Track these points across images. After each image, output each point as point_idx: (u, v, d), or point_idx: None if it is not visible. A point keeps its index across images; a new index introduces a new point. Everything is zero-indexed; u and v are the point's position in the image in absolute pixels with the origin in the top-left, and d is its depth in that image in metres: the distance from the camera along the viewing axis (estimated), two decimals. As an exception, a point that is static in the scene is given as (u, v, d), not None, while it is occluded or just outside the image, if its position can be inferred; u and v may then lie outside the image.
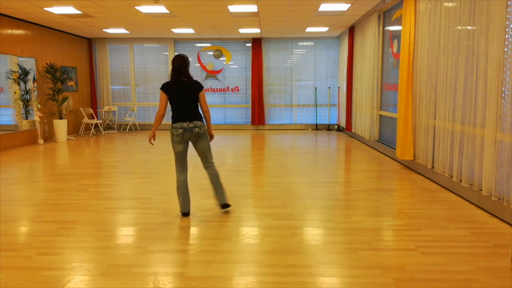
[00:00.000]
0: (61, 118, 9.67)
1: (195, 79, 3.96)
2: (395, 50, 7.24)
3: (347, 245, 3.26)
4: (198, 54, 12.13)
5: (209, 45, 12.10)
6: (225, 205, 4.09)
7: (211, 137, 4.08)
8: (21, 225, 3.78)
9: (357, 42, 9.48)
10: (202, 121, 3.98)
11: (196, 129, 3.90)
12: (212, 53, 12.12)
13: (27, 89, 9.00)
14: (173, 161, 6.96)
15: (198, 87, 3.91)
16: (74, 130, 11.14)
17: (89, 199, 4.64)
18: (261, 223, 3.78)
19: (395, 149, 6.91)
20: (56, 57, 10.15)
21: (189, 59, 3.98)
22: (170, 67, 12.03)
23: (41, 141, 9.15)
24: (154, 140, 4.00)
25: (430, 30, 5.44)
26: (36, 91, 9.29)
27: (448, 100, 4.93)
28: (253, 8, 7.67)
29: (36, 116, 9.06)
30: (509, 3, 3.75)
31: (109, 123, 12.29)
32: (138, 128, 12.31)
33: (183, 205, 3.99)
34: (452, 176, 4.86)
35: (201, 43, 12.11)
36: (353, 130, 10.10)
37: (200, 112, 3.99)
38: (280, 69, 12.08)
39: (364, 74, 8.78)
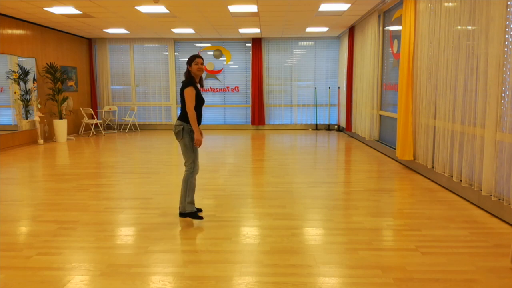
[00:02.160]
0: (61, 118, 9.67)
1: (186, 78, 3.85)
2: (395, 50, 7.24)
3: (347, 245, 3.26)
4: (198, 54, 12.11)
5: (209, 45, 12.10)
6: (180, 214, 3.94)
7: (196, 141, 3.79)
8: (21, 225, 3.78)
9: (357, 42, 9.48)
10: (182, 120, 3.81)
11: (174, 127, 3.89)
12: (212, 53, 12.13)
13: (27, 89, 9.00)
14: (173, 162, 6.97)
15: (182, 86, 3.82)
16: (74, 130, 11.14)
17: (89, 199, 4.64)
18: (261, 223, 3.78)
19: (395, 149, 6.91)
20: (56, 57, 10.15)
21: (190, 58, 3.82)
22: (171, 67, 12.04)
23: (41, 141, 9.15)
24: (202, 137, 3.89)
25: (430, 30, 5.44)
26: (36, 91, 9.28)
27: (448, 100, 4.93)
28: (253, 8, 7.67)
29: (36, 116, 9.06)
30: (509, 3, 3.75)
31: (109, 123, 12.29)
32: (138, 128, 12.31)
33: None
34: (452, 176, 4.86)
35: (201, 43, 12.11)
36: (353, 130, 10.10)
37: (185, 111, 3.80)
38: (280, 69, 12.07)
39: (364, 74, 8.78)
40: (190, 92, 3.75)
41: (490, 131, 3.96)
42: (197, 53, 11.94)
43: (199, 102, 3.85)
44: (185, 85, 3.77)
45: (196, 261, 2.97)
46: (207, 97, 12.25)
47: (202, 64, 3.82)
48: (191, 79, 3.83)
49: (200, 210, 4.12)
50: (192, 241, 3.37)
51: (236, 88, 12.24)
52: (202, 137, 3.83)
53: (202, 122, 12.35)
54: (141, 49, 12.12)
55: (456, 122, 4.73)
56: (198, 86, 3.96)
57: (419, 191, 4.91)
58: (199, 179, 5.58)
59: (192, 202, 3.91)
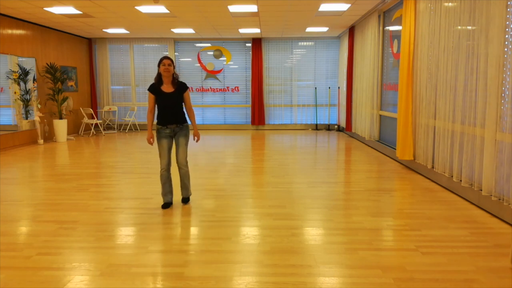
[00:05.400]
0: (61, 118, 9.67)
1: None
2: (395, 50, 7.23)
3: (347, 245, 3.26)
4: (198, 54, 12.13)
5: (209, 45, 12.10)
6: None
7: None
8: (21, 225, 3.78)
9: (357, 42, 9.48)
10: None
11: None
12: (212, 53, 12.12)
13: (27, 89, 9.00)
14: (173, 161, 6.96)
15: None
16: (74, 130, 11.14)
17: (89, 199, 4.64)
18: (261, 223, 3.78)
19: (395, 149, 6.91)
20: (56, 57, 10.15)
21: (159, 61, 4.12)
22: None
23: (41, 141, 9.15)
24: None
25: (430, 30, 5.44)
26: (36, 91, 9.28)
27: (448, 100, 4.93)
28: (253, 8, 7.67)
29: (36, 116, 9.06)
30: (509, 3, 3.75)
31: (109, 123, 12.29)
32: (138, 128, 12.31)
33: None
34: (452, 176, 4.86)
35: (201, 43, 12.11)
36: (353, 130, 10.09)
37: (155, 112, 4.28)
38: (280, 69, 12.07)
39: (364, 74, 8.78)
40: (148, 96, 4.20)
41: (490, 131, 3.96)
42: (197, 53, 12.03)
43: (161, 104, 4.13)
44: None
45: (196, 261, 2.97)
46: (207, 97, 12.25)
47: (169, 65, 4.08)
48: (154, 83, 4.16)
49: (167, 205, 4.29)
50: (192, 241, 3.37)
51: (236, 88, 12.24)
52: (152, 140, 4.25)
53: (202, 122, 12.38)
54: (141, 49, 12.12)
55: (456, 122, 4.73)
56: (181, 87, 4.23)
57: (419, 191, 4.91)
58: (199, 179, 5.58)
59: (162, 194, 4.30)
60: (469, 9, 4.44)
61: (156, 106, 4.18)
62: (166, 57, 4.09)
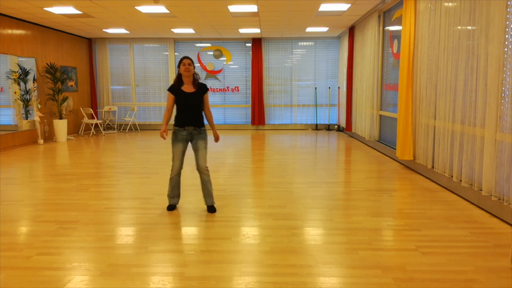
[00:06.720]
0: (61, 118, 9.67)
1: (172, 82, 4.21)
2: (395, 50, 7.23)
3: (347, 245, 3.26)
4: (198, 54, 12.12)
5: (209, 45, 12.10)
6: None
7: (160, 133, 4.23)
8: (21, 225, 3.78)
9: (357, 42, 9.48)
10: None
11: None
12: (212, 53, 12.12)
13: (27, 89, 9.00)
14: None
15: None
16: (74, 130, 11.14)
17: (89, 199, 4.64)
18: (261, 223, 3.78)
19: (395, 149, 6.90)
20: (56, 57, 10.15)
21: (179, 61, 4.03)
22: (171, 67, 12.03)
23: (41, 141, 9.15)
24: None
25: (430, 30, 5.44)
26: (36, 91, 9.28)
27: (448, 100, 4.93)
28: (253, 8, 7.67)
29: (36, 116, 9.06)
30: (509, 3, 3.75)
31: (109, 123, 12.29)
32: (138, 128, 12.31)
33: None
34: (452, 176, 4.86)
35: (201, 43, 12.11)
36: (353, 130, 10.10)
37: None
38: (280, 69, 12.07)
39: (364, 74, 8.78)
40: (167, 96, 4.11)
41: (490, 131, 3.96)
42: (197, 53, 12.03)
43: (180, 104, 4.03)
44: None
45: (196, 261, 2.97)
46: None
47: (189, 64, 3.97)
48: (174, 83, 4.07)
49: (173, 207, 4.26)
50: (192, 241, 3.37)
51: (236, 88, 12.24)
52: (165, 134, 4.10)
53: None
54: (141, 49, 12.12)
55: (456, 122, 4.73)
56: (195, 87, 4.12)
57: (419, 191, 4.91)
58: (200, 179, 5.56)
59: (169, 195, 4.26)
60: (469, 9, 4.44)
61: (174, 107, 4.07)
62: (186, 57, 3.99)
